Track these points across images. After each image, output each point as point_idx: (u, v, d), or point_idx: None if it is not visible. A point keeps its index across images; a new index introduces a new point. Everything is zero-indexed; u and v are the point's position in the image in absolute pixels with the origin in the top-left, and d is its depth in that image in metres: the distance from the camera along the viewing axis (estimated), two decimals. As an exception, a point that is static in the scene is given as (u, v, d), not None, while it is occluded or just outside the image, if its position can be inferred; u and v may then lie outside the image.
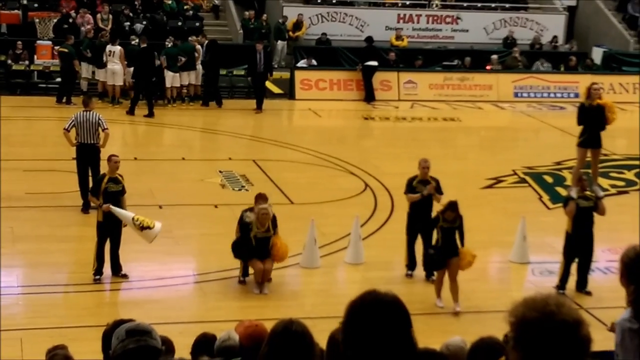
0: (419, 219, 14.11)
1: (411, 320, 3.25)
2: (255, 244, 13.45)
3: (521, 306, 3.09)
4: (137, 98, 24.91)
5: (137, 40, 26.11)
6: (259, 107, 25.90)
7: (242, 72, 27.52)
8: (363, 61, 28.21)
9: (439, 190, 14.27)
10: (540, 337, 3.03)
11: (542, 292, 3.18)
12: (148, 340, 4.29)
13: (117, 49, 25.52)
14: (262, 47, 26.35)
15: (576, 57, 31.58)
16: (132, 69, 25.36)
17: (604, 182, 19.91)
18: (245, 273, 13.75)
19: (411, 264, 14.45)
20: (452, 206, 13.03)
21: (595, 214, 13.75)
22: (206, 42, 26.74)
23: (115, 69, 25.51)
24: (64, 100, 25.07)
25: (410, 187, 14.31)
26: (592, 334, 3.16)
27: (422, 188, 14.14)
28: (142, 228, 13.38)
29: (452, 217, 13.00)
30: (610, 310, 13.03)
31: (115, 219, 13.57)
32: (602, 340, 7.48)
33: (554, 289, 13.64)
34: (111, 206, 13.44)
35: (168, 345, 6.47)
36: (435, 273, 13.70)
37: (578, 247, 13.68)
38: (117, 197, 13.72)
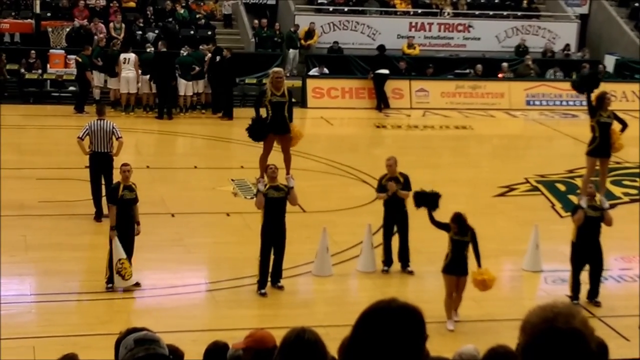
0: (394, 214, 14.69)
1: (425, 331, 3.23)
2: (271, 110, 13.60)
3: (529, 313, 3.10)
4: (163, 102, 25.40)
5: (152, 48, 26.32)
6: (224, 115, 25.99)
7: (254, 81, 27.59)
8: (374, 69, 28.24)
9: (406, 186, 14.61)
10: (535, 344, 3.04)
11: (558, 301, 3.17)
12: (157, 348, 4.31)
13: (132, 56, 25.71)
14: (227, 54, 26.45)
15: (589, 65, 31.52)
16: (147, 76, 25.64)
17: (616, 190, 19.87)
18: (263, 285, 13.73)
19: (387, 260, 14.87)
20: (455, 218, 12.76)
21: (603, 225, 13.67)
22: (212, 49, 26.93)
23: (130, 77, 25.66)
24: (79, 108, 25.24)
25: (380, 186, 14.89)
26: (598, 345, 3.13)
27: (391, 185, 14.60)
28: (119, 273, 13.35)
29: (456, 229, 12.75)
30: (624, 318, 13.02)
31: (127, 227, 13.59)
32: (615, 348, 7.48)
33: (569, 299, 13.55)
34: (116, 236, 13.44)
35: (178, 354, 6.47)
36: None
37: (585, 256, 13.57)
38: (131, 205, 13.77)
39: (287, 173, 14.03)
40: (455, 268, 12.79)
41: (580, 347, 3.02)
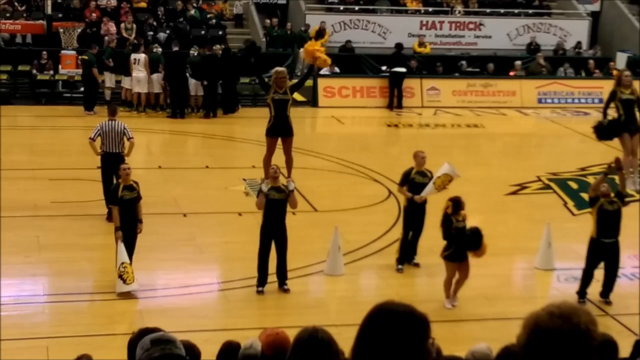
0: (415, 213, 14.67)
1: (429, 332, 3.24)
2: (274, 109, 13.77)
3: (535, 311, 3.14)
4: (176, 101, 25.67)
5: (159, 49, 26.42)
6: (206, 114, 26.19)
7: (265, 80, 27.54)
8: (391, 67, 28.22)
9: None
10: (536, 340, 3.07)
11: (565, 300, 3.19)
12: (173, 349, 4.31)
13: (142, 56, 25.85)
14: (218, 51, 26.52)
15: (597, 61, 31.53)
16: (155, 75, 25.79)
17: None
18: (261, 282, 13.72)
19: (402, 259, 14.83)
20: (459, 203, 13.11)
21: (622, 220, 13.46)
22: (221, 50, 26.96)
23: (140, 77, 25.81)
24: (89, 108, 25.37)
25: (406, 179, 14.77)
26: (607, 342, 3.14)
27: (420, 179, 14.60)
28: (120, 277, 13.36)
29: (464, 215, 13.16)
30: (636, 316, 12.97)
31: (130, 227, 13.65)
32: (629, 346, 7.45)
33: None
34: (121, 239, 13.48)
35: (195, 352, 6.48)
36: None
37: (602, 254, 13.48)
38: (132, 204, 13.80)
39: (288, 176, 14.03)
40: (458, 255, 13.09)
41: (581, 347, 3.03)
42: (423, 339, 3.19)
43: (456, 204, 13.09)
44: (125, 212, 13.69)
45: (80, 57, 25.97)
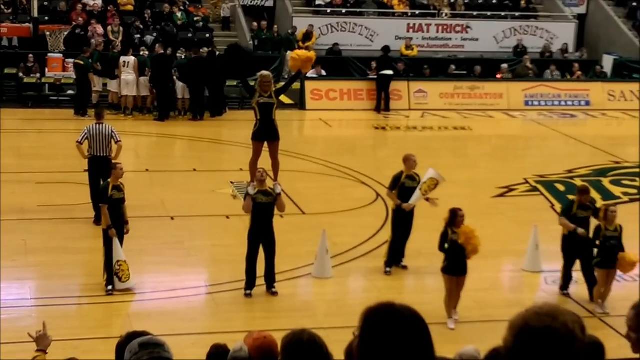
0: (404, 217, 14.65)
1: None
2: (259, 113, 13.87)
3: (518, 314, 3.16)
4: (163, 104, 25.65)
5: (146, 52, 26.39)
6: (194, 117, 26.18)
7: (252, 83, 27.51)
8: (378, 70, 28.25)
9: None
10: (519, 343, 3.08)
11: (546, 302, 3.21)
12: (161, 352, 4.31)
13: (132, 59, 25.81)
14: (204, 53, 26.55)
15: (583, 64, 31.66)
16: (142, 78, 25.77)
17: (615, 189, 19.88)
18: (250, 286, 13.71)
19: (390, 262, 14.80)
20: (454, 216, 12.78)
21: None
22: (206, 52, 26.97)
23: (129, 80, 25.76)
24: (81, 111, 25.33)
25: (396, 183, 14.72)
26: (593, 344, 3.15)
27: (410, 183, 14.62)
28: (116, 274, 13.46)
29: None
30: (624, 318, 12.99)
31: (117, 227, 13.64)
32: (615, 348, 7.46)
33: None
34: (116, 237, 13.49)
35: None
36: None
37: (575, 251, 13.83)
38: (120, 204, 13.83)
39: (275, 179, 14.06)
40: (454, 268, 12.83)
41: (569, 346, 3.04)
42: (430, 340, 3.19)
43: (452, 215, 12.80)
44: (113, 212, 13.68)
45: (74, 61, 25.89)
